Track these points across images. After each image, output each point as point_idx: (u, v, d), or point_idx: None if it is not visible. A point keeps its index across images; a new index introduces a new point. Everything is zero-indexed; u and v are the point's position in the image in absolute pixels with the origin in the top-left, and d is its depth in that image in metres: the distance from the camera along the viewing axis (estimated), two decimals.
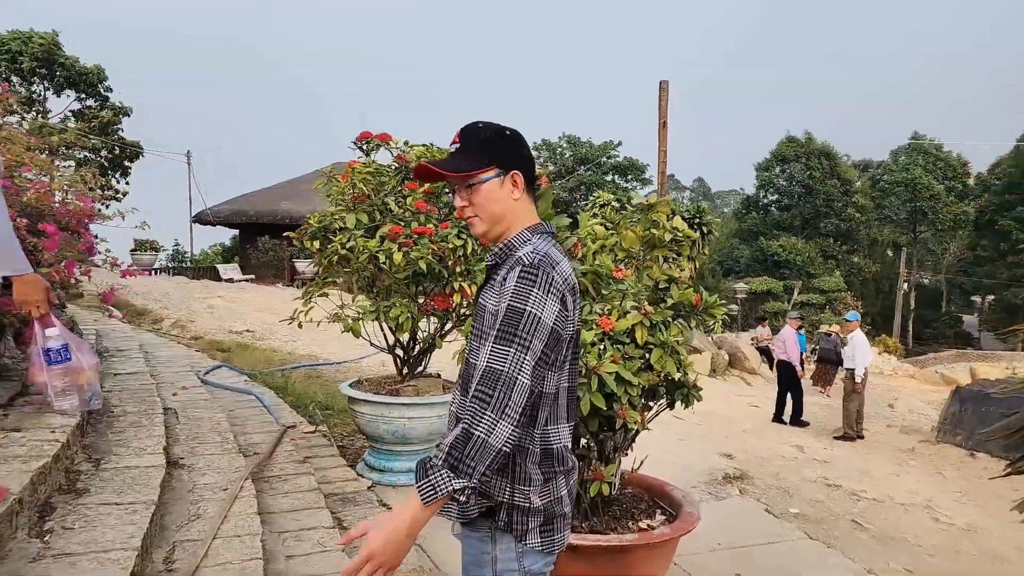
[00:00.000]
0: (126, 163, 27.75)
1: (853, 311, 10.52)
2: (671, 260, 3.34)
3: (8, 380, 3.64)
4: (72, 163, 12.12)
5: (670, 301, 3.18)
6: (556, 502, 1.64)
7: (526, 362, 1.47)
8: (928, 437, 9.70)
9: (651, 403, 3.34)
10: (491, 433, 1.44)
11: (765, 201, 48.24)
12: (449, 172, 1.63)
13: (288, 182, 23.46)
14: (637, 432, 3.20)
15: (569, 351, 1.65)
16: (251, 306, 12.55)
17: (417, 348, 4.99)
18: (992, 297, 48.37)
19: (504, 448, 1.46)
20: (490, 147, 1.64)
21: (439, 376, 5.09)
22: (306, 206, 18.21)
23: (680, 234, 3.11)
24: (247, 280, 19.58)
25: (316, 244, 4.75)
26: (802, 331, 12.26)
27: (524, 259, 1.56)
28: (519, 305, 1.50)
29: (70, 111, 26.69)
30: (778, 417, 10.44)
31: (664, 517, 3.36)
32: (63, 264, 3.63)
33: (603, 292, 2.99)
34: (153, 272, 18.39)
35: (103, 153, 26.16)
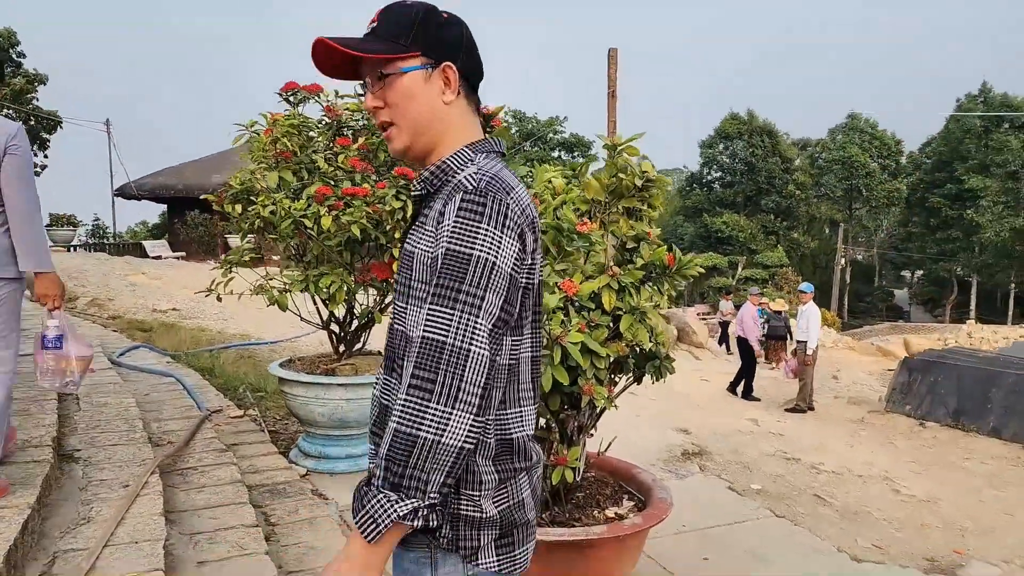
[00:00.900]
0: (43, 135, 26.02)
1: (807, 283, 10.45)
2: (637, 215, 2.96)
3: None
4: None
5: (640, 262, 2.81)
6: (517, 507, 1.22)
7: (479, 326, 1.07)
8: (876, 407, 9.75)
9: (618, 377, 2.98)
10: (443, 431, 1.05)
11: (709, 178, 48.85)
12: (354, 51, 1.17)
13: (219, 153, 22.21)
14: (604, 410, 2.84)
15: (529, 308, 1.22)
16: (178, 284, 11.72)
17: (355, 323, 4.54)
18: (922, 272, 50.35)
19: (467, 445, 1.07)
20: (416, 29, 1.19)
21: (380, 354, 4.65)
22: None
23: (652, 181, 2.72)
24: (177, 257, 18.52)
25: (239, 208, 4.22)
26: (763, 306, 12.31)
27: (466, 183, 1.13)
28: (463, 248, 1.08)
29: None
30: (732, 388, 10.39)
31: (632, 503, 3.03)
32: None
33: (567, 248, 2.59)
34: (71, 249, 17.14)
35: None
